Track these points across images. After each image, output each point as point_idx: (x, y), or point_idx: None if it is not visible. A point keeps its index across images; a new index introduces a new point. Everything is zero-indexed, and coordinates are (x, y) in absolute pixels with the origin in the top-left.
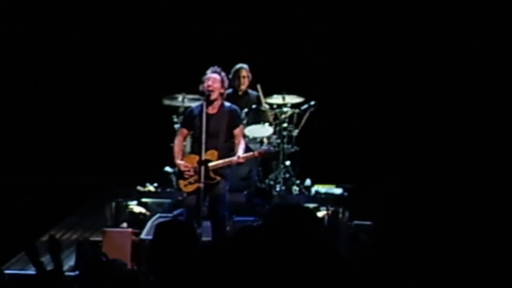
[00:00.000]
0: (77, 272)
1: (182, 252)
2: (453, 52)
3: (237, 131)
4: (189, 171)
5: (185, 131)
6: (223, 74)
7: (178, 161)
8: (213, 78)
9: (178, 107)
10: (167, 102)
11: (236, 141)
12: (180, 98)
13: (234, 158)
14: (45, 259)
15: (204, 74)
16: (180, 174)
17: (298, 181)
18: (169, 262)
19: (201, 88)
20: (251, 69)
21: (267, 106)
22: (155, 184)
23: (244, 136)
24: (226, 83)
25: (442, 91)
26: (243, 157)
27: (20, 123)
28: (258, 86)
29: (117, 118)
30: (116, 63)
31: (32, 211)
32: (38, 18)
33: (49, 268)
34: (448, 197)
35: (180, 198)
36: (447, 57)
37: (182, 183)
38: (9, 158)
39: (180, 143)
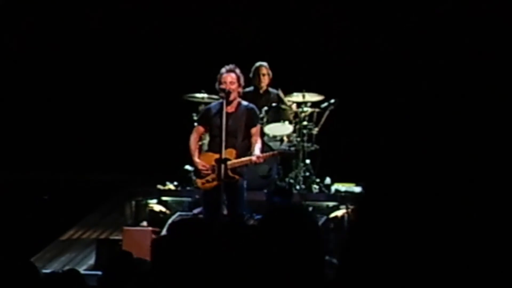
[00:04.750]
0: (97, 272)
1: (198, 250)
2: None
3: (254, 130)
4: (206, 170)
5: (201, 128)
6: (238, 71)
7: (196, 160)
8: (231, 78)
9: (198, 105)
10: (187, 97)
11: (253, 140)
12: (200, 96)
13: (253, 157)
14: (61, 260)
15: (219, 72)
16: (197, 173)
17: (318, 180)
18: (185, 260)
19: (217, 86)
20: (271, 67)
21: (292, 106)
22: (175, 183)
23: (262, 135)
24: (242, 80)
25: (465, 88)
26: (262, 157)
27: (41, 120)
28: (280, 91)
29: (137, 116)
30: (136, 60)
31: (51, 208)
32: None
33: (66, 267)
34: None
35: (197, 196)
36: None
37: (199, 181)
38: (30, 155)
39: (196, 140)
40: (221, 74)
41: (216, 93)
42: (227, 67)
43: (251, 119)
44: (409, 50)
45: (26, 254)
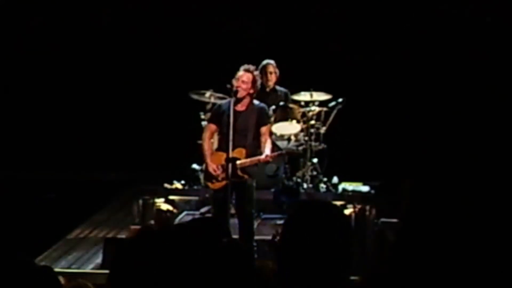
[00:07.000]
0: (105, 270)
1: (210, 249)
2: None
3: (264, 129)
4: (216, 173)
5: (213, 127)
6: (256, 73)
7: (209, 162)
8: (246, 77)
9: (205, 103)
10: (194, 96)
11: (263, 139)
12: (207, 94)
13: (262, 157)
14: (68, 259)
15: (236, 70)
16: (207, 175)
17: (325, 179)
18: (197, 258)
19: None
20: (279, 66)
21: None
22: (183, 182)
23: (271, 134)
24: (259, 83)
25: (474, 88)
26: (270, 156)
27: (47, 119)
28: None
29: (144, 115)
30: (143, 58)
31: (58, 207)
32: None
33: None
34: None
35: (207, 195)
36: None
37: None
38: (37, 154)
39: (209, 139)
40: (239, 72)
41: (223, 91)
42: (246, 66)
43: (262, 118)
44: (415, 50)
45: (33, 253)
